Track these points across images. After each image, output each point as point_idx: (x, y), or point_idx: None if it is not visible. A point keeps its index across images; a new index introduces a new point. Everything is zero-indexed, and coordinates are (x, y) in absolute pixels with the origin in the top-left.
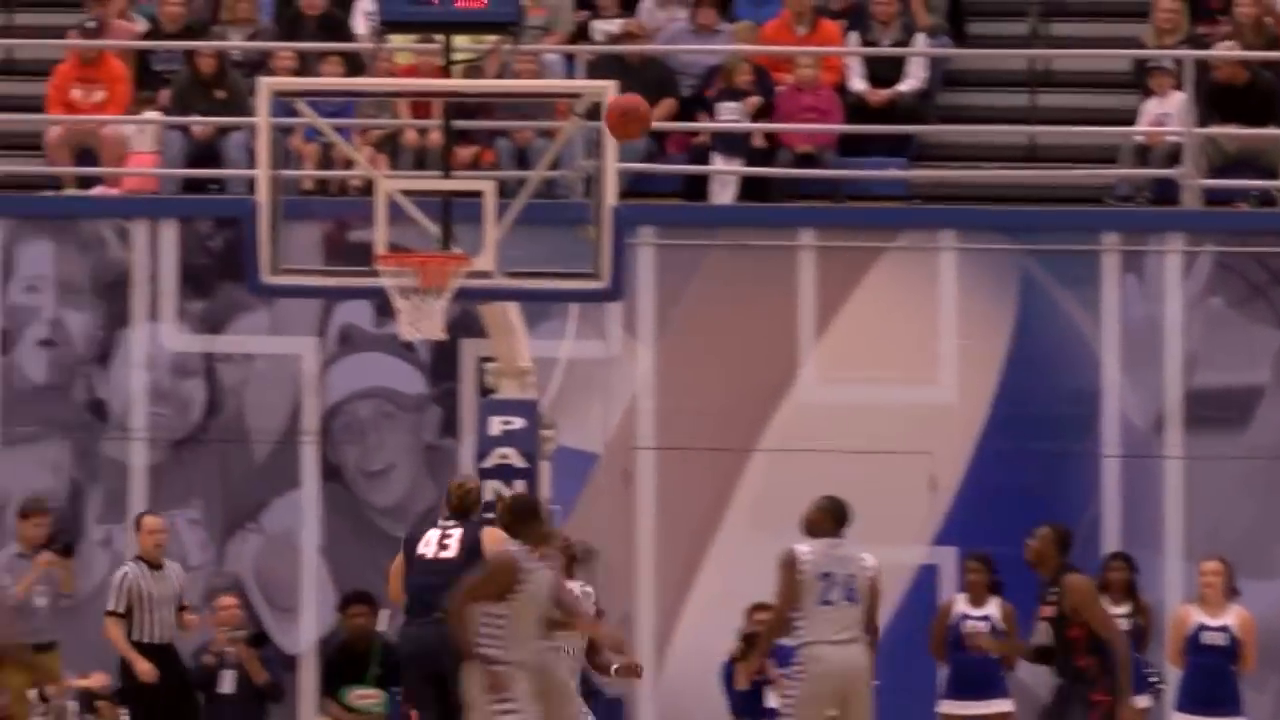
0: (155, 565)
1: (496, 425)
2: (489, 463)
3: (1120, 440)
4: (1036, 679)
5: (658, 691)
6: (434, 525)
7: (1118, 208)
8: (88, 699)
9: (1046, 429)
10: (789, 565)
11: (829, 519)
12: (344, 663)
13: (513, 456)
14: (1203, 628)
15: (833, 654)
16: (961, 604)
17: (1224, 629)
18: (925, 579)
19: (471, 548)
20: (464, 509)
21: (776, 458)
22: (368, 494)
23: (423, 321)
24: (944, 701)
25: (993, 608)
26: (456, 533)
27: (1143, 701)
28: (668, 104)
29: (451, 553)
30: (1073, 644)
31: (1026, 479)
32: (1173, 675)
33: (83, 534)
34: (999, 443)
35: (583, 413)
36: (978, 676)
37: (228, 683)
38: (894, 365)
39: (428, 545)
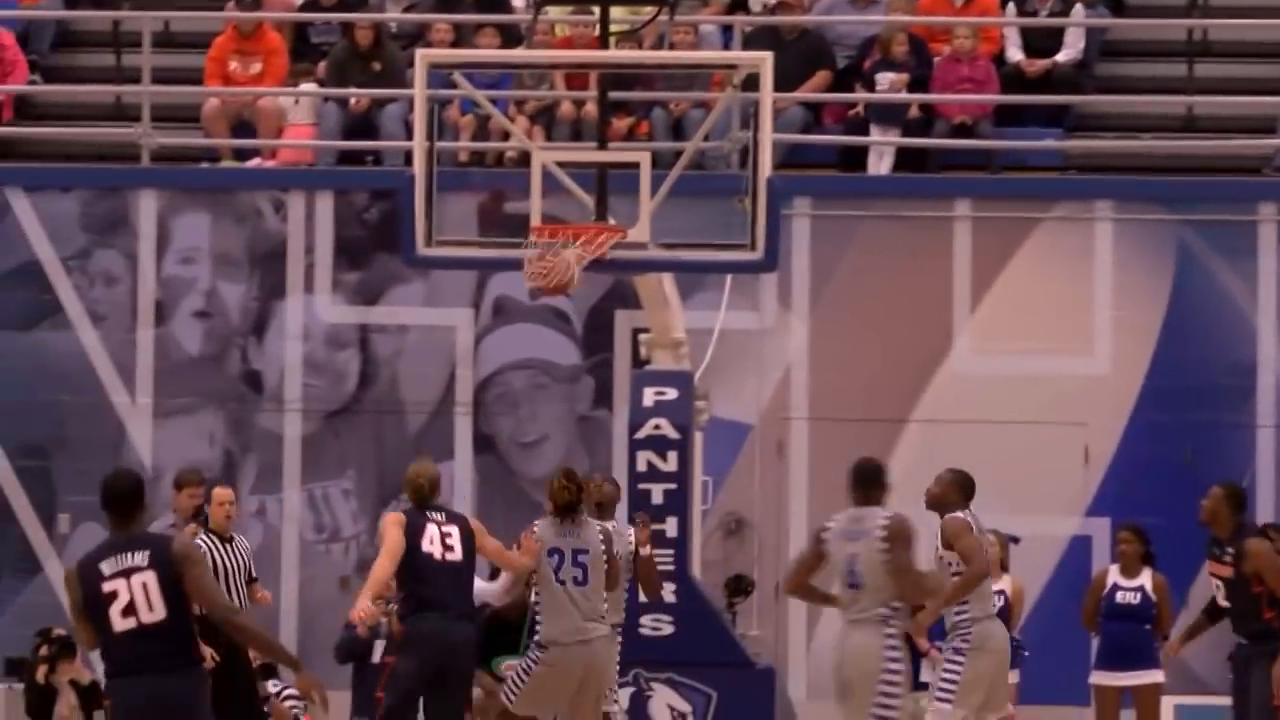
0: (225, 538)
1: (650, 396)
2: (642, 434)
3: (1276, 411)
4: (1188, 649)
5: (809, 662)
6: (426, 516)
7: (1276, 178)
8: None
9: (1201, 400)
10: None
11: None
12: (496, 633)
13: (666, 427)
14: None
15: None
16: (1114, 575)
17: None
18: (1078, 550)
19: (468, 542)
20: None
21: (930, 429)
22: (521, 465)
23: (552, 273)
24: (1095, 672)
25: (1145, 579)
26: (454, 530)
27: None
28: (822, 76)
29: (457, 555)
30: (1258, 599)
31: (1180, 450)
32: None
33: (236, 504)
34: (1153, 414)
35: (736, 384)
36: (1129, 647)
37: (379, 653)
38: (1048, 336)
39: (432, 544)
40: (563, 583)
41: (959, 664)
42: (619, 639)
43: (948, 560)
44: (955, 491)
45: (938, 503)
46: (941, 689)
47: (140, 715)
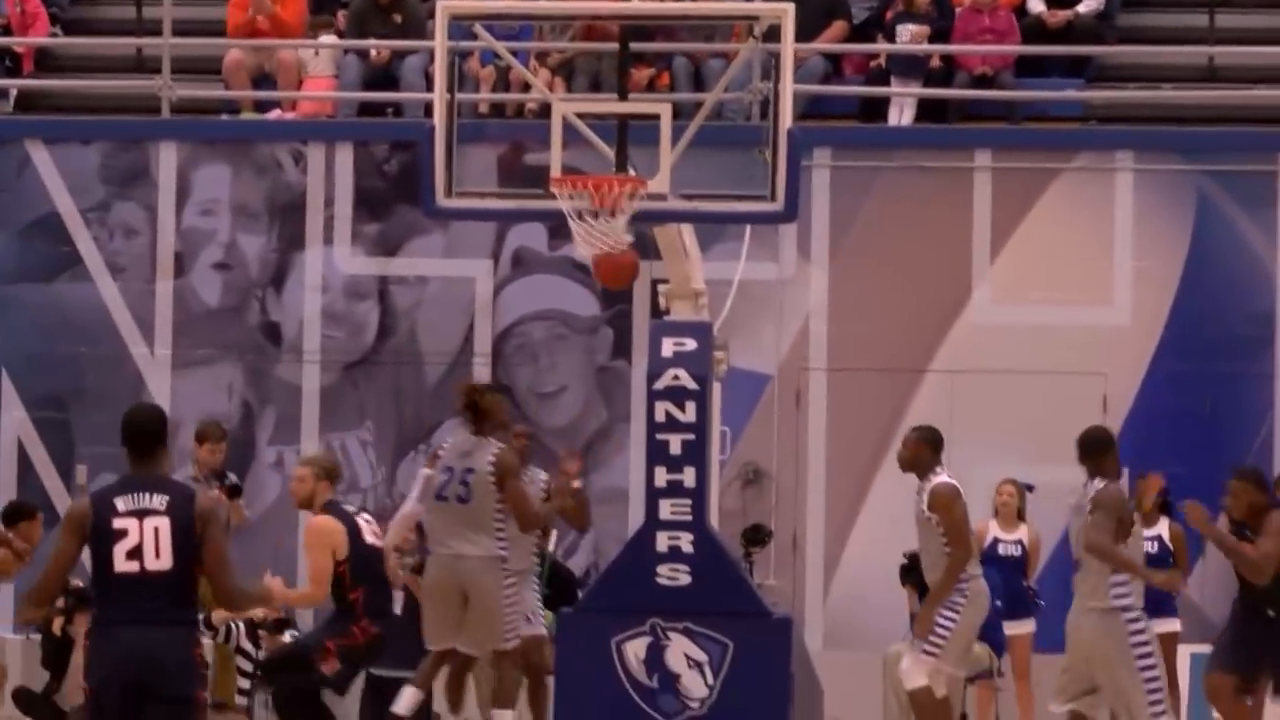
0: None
1: (669, 347)
2: (660, 384)
3: None
4: (1205, 599)
5: (827, 611)
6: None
7: None
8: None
9: (1220, 350)
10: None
11: None
12: None
13: (684, 378)
14: None
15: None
16: None
17: None
18: None
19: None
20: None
21: (948, 379)
22: (540, 415)
23: (599, 243)
24: None
25: (1162, 528)
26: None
27: None
28: (839, 26)
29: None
30: None
31: (1199, 399)
32: None
33: (254, 456)
34: (1172, 364)
35: (755, 334)
36: (1146, 596)
37: (396, 605)
38: (1068, 287)
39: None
40: (445, 499)
41: (952, 619)
42: (530, 587)
43: (935, 523)
44: (927, 450)
45: (911, 463)
46: (930, 641)
47: (127, 667)
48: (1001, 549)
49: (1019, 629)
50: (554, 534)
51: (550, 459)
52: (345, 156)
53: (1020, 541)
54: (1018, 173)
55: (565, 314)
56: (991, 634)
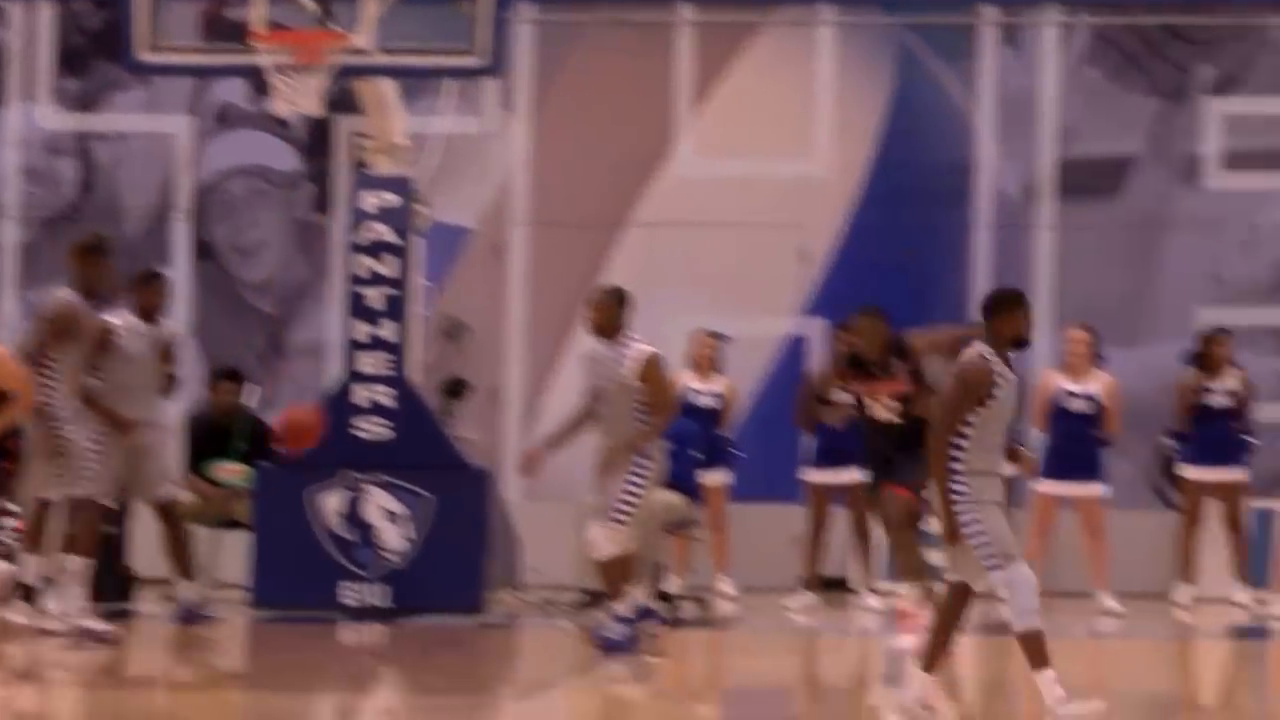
0: None
1: (370, 201)
2: (362, 238)
3: (993, 210)
4: None
5: None
6: None
7: None
8: None
9: (919, 201)
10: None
11: None
12: (209, 437)
13: (386, 232)
14: (1067, 394)
15: None
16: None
17: (1089, 396)
18: (793, 350)
19: None
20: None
21: (650, 232)
22: (240, 270)
23: (300, 97)
24: (808, 470)
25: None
26: None
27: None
28: None
29: None
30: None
31: (898, 250)
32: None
33: None
34: (871, 215)
35: (457, 189)
36: (842, 446)
37: None
38: (769, 139)
39: None
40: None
41: (640, 485)
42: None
43: (639, 390)
44: (618, 311)
45: (602, 326)
46: (619, 509)
47: None
48: (698, 400)
49: (715, 480)
50: (251, 388)
51: (251, 315)
52: (46, 13)
53: (717, 393)
54: (720, 26)
55: (266, 169)
56: (687, 484)
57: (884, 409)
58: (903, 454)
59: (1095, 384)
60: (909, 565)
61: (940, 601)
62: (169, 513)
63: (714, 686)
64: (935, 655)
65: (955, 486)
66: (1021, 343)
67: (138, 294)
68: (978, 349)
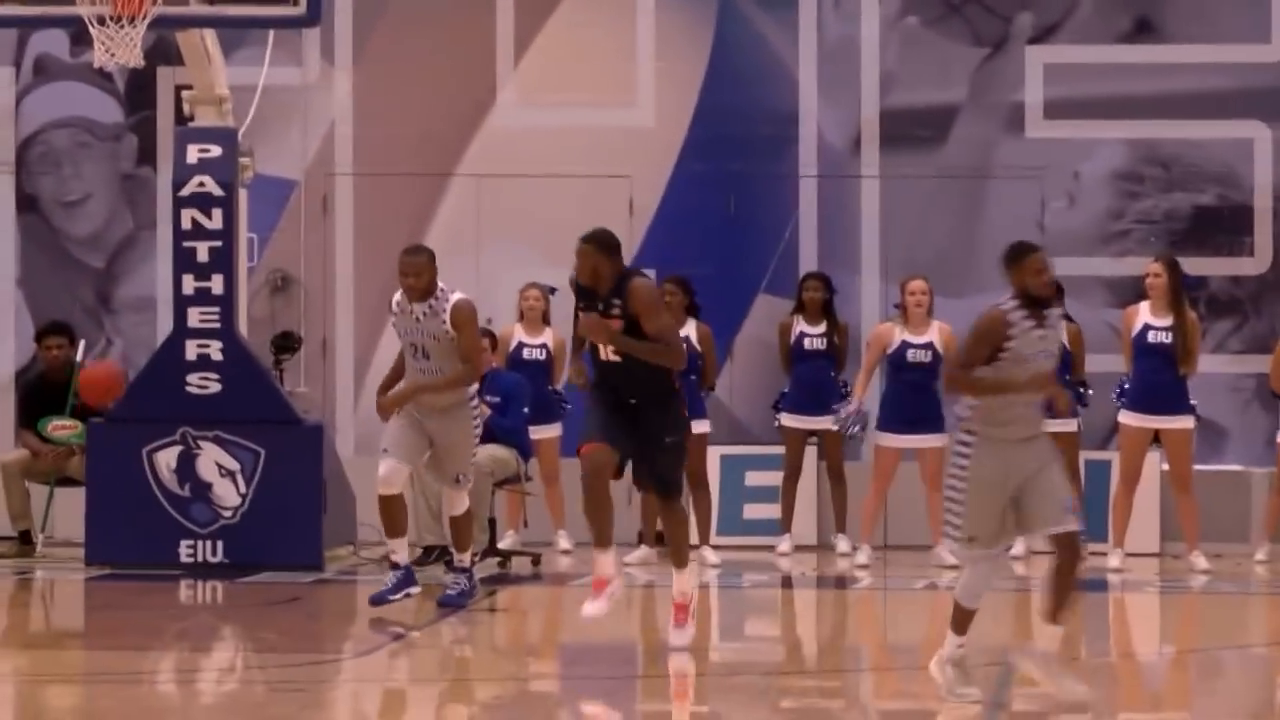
0: None
1: (194, 153)
2: (186, 191)
3: (817, 160)
4: (732, 398)
5: (357, 418)
6: None
7: None
8: None
9: (744, 150)
10: None
11: None
12: (42, 394)
13: (210, 184)
14: (906, 345)
15: None
16: None
17: (928, 345)
18: None
19: None
20: None
21: (475, 183)
22: (65, 224)
23: (119, 49)
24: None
25: (690, 329)
26: None
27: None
28: None
29: None
30: None
31: (724, 200)
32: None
33: None
34: (696, 165)
35: (281, 140)
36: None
37: None
38: (592, 88)
39: None
40: None
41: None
42: None
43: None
44: (433, 267)
45: (427, 289)
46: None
47: None
48: (527, 354)
49: (547, 433)
50: (82, 344)
51: (78, 270)
52: None
53: (545, 345)
54: None
55: (89, 121)
56: (519, 439)
57: None
58: None
59: (933, 334)
60: None
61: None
62: None
63: (550, 642)
64: (1056, 607)
65: (961, 439)
66: (1034, 298)
67: None
68: (1002, 301)
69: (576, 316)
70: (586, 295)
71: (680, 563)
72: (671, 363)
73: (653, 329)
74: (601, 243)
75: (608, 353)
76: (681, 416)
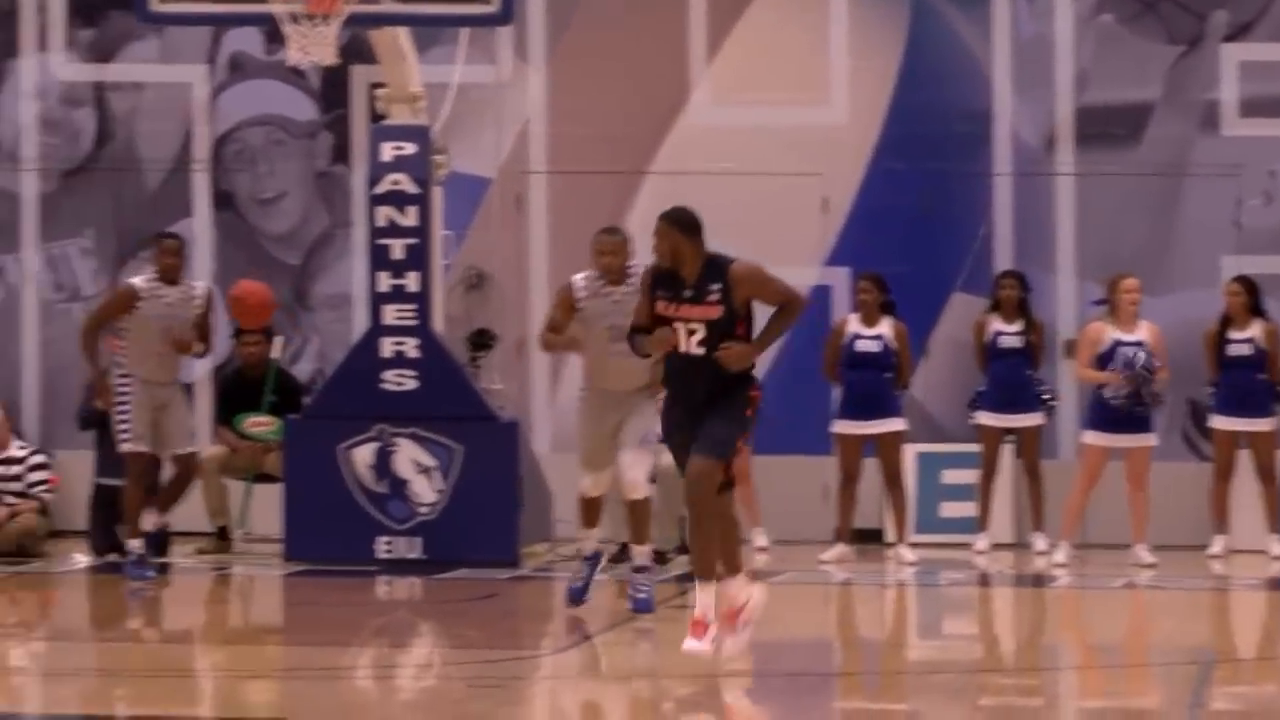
0: None
1: (388, 151)
2: (381, 189)
3: (1011, 158)
4: (927, 396)
5: (553, 414)
6: None
7: None
8: None
9: (938, 148)
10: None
11: None
12: (239, 391)
13: (405, 182)
14: (1118, 344)
15: None
16: (854, 324)
17: (1139, 344)
18: (818, 300)
19: None
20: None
21: (668, 180)
22: (261, 222)
23: (313, 47)
24: (838, 421)
25: (885, 327)
26: None
27: (1037, 419)
28: None
29: None
30: None
31: (918, 198)
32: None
33: None
34: (890, 163)
35: (474, 138)
36: (870, 396)
37: None
38: (785, 86)
39: None
40: None
41: None
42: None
43: None
44: (629, 248)
45: (622, 268)
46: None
47: None
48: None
49: None
50: (279, 341)
51: (274, 267)
52: None
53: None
54: None
55: (284, 119)
56: None
57: None
58: None
59: (1143, 333)
60: None
61: None
62: (186, 467)
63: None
64: None
65: None
66: None
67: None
68: None
69: (652, 304)
70: (669, 283)
71: (733, 569)
72: (801, 312)
73: (775, 297)
74: (682, 222)
75: (689, 344)
76: (750, 396)
